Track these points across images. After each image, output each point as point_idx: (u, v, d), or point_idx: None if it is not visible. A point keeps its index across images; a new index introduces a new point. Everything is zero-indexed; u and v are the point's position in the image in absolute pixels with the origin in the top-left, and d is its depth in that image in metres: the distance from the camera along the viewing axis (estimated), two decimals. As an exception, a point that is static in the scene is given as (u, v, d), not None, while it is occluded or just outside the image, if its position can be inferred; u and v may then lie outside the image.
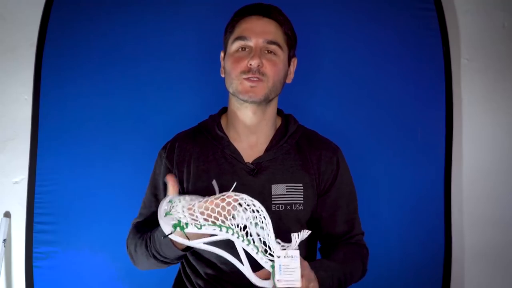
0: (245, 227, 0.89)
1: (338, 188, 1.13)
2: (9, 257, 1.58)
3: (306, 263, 0.93)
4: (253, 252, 0.88)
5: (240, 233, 0.88)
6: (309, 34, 1.57)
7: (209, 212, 0.88)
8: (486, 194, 1.64)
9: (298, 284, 0.86)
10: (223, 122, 1.17)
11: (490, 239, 1.64)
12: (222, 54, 1.16)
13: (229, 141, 1.11)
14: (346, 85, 1.57)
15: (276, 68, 1.07)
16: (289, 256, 0.87)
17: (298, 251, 0.87)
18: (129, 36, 1.55)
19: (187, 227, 0.88)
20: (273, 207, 1.06)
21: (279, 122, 1.17)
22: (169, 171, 1.13)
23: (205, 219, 0.88)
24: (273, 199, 1.07)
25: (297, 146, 1.13)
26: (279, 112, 1.20)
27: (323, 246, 1.17)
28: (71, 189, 1.51)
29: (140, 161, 1.47)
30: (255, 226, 0.90)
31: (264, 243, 0.90)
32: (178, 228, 0.88)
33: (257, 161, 1.09)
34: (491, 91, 1.66)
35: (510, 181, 1.64)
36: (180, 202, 0.92)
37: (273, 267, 0.87)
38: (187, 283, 1.12)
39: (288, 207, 1.07)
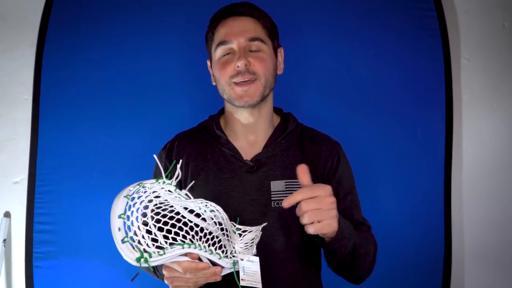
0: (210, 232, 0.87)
1: (338, 181, 1.12)
2: (9, 257, 1.58)
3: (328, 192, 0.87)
4: (215, 259, 0.87)
5: (202, 246, 0.85)
6: (309, 34, 1.57)
7: (168, 227, 0.82)
8: (486, 194, 1.64)
9: (260, 285, 0.89)
10: (222, 122, 1.17)
11: (490, 239, 1.64)
12: (208, 63, 1.17)
13: (227, 140, 1.11)
14: (346, 85, 1.57)
15: (264, 63, 1.06)
16: (250, 261, 0.89)
17: (258, 258, 0.90)
18: (129, 36, 1.55)
19: (150, 257, 0.79)
20: (272, 204, 1.06)
21: (277, 120, 1.17)
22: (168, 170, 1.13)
23: (164, 236, 0.82)
24: (272, 196, 1.06)
25: (297, 143, 1.13)
26: (278, 111, 1.20)
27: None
28: (71, 189, 1.51)
29: (140, 161, 1.47)
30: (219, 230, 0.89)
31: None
32: (142, 260, 0.80)
33: (256, 158, 1.09)
34: (491, 91, 1.66)
35: (510, 181, 1.65)
36: (135, 216, 0.83)
37: (234, 264, 0.88)
38: (187, 284, 1.12)
39: None
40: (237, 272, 0.89)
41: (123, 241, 0.81)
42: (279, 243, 1.05)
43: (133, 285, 1.49)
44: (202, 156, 1.11)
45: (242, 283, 0.88)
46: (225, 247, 0.89)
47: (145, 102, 1.54)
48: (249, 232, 0.96)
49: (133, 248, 0.80)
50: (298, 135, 1.15)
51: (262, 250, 1.05)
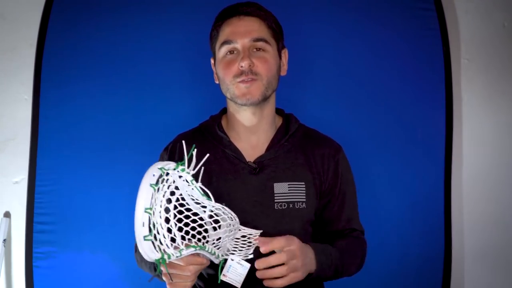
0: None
1: (341, 186, 1.13)
2: (9, 257, 1.57)
3: (297, 245, 0.94)
4: (213, 258, 0.89)
5: (211, 249, 0.87)
6: (309, 34, 1.57)
7: (188, 229, 0.84)
8: (486, 194, 1.64)
9: (239, 285, 0.92)
10: (223, 122, 1.17)
11: (490, 239, 1.64)
12: (212, 61, 1.17)
13: (230, 141, 1.11)
14: (346, 85, 1.57)
15: (267, 64, 1.07)
16: (241, 264, 0.91)
17: (249, 265, 0.91)
18: (129, 36, 1.55)
19: (169, 258, 0.80)
20: (275, 206, 1.06)
21: (280, 121, 1.17)
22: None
23: (182, 237, 0.83)
24: (275, 198, 1.07)
25: (300, 145, 1.13)
26: (280, 112, 1.20)
27: (324, 240, 1.15)
28: (71, 189, 1.51)
29: (140, 161, 1.46)
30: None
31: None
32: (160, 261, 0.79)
33: (259, 160, 1.09)
34: (491, 91, 1.65)
35: (510, 181, 1.64)
36: (158, 212, 0.80)
37: (222, 261, 0.91)
38: (187, 283, 1.12)
39: (291, 205, 1.07)
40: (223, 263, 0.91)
41: (145, 238, 0.79)
42: None
43: (132, 285, 1.49)
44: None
45: (222, 278, 0.91)
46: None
47: (146, 102, 1.54)
48: (244, 232, 0.97)
49: (154, 247, 0.79)
50: (301, 137, 1.15)
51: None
